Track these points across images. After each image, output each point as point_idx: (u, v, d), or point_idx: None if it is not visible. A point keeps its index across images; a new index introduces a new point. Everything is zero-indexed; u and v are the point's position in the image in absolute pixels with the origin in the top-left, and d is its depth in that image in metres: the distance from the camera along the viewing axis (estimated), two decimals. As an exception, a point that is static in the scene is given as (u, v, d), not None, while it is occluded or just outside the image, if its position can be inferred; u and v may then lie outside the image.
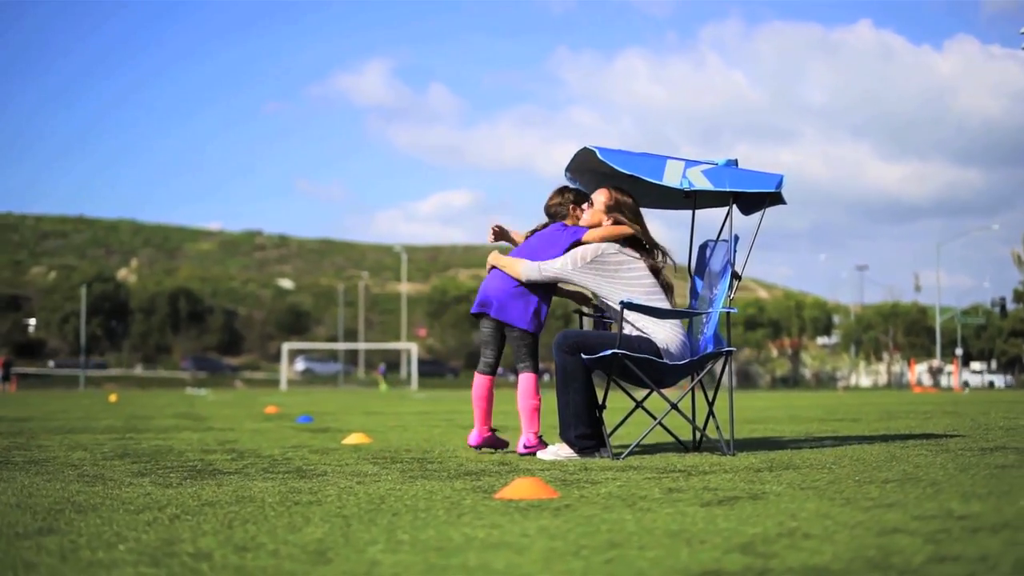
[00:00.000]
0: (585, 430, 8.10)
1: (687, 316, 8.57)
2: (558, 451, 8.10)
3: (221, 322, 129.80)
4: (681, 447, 9.00)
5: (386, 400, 35.84)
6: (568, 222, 8.67)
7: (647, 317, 8.23)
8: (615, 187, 8.58)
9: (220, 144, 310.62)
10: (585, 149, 8.41)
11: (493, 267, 8.66)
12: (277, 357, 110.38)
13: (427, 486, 6.04)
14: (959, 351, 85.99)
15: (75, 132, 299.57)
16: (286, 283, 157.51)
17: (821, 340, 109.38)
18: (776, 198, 8.54)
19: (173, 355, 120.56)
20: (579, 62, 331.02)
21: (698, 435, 8.90)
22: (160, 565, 3.59)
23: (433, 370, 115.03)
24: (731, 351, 8.44)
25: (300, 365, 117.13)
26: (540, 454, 8.16)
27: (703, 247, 8.99)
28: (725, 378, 8.54)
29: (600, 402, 8.41)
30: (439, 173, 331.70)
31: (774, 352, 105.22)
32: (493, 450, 8.93)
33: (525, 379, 8.55)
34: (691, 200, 9.10)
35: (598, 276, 8.23)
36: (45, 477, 6.89)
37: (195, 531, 4.34)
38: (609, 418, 8.88)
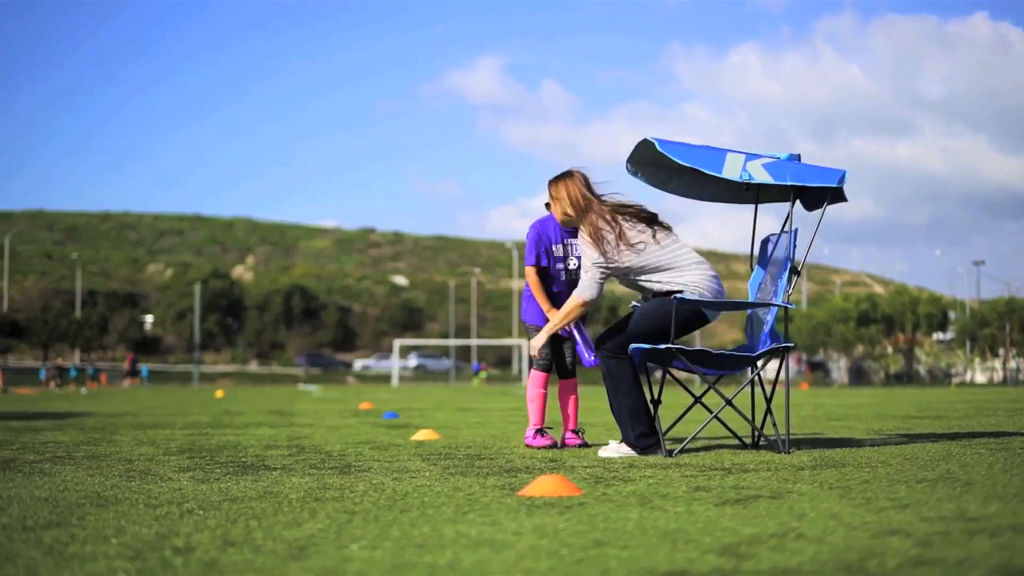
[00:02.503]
0: (643, 429, 8.04)
1: (746, 307, 8.46)
2: (619, 448, 8.06)
3: (335, 319, 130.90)
4: (740, 444, 8.88)
5: (483, 396, 35.83)
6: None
7: (672, 270, 8.08)
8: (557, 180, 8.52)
9: (336, 142, 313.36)
10: (645, 141, 8.33)
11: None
12: (390, 353, 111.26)
13: (457, 483, 6.04)
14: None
15: (194, 133, 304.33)
16: (400, 280, 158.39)
17: (938, 336, 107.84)
18: (838, 194, 8.41)
19: (287, 351, 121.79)
20: (692, 57, 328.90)
21: (756, 433, 8.74)
22: (138, 559, 3.63)
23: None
24: (789, 347, 8.30)
25: (413, 361, 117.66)
26: (602, 452, 8.13)
27: (765, 241, 8.86)
28: (783, 374, 8.39)
29: (655, 397, 8.37)
30: (553, 169, 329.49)
31: (889, 349, 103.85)
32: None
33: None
34: (752, 194, 9.00)
35: (613, 247, 8.09)
36: (91, 472, 7.00)
37: (197, 526, 4.38)
38: (667, 414, 8.81)
